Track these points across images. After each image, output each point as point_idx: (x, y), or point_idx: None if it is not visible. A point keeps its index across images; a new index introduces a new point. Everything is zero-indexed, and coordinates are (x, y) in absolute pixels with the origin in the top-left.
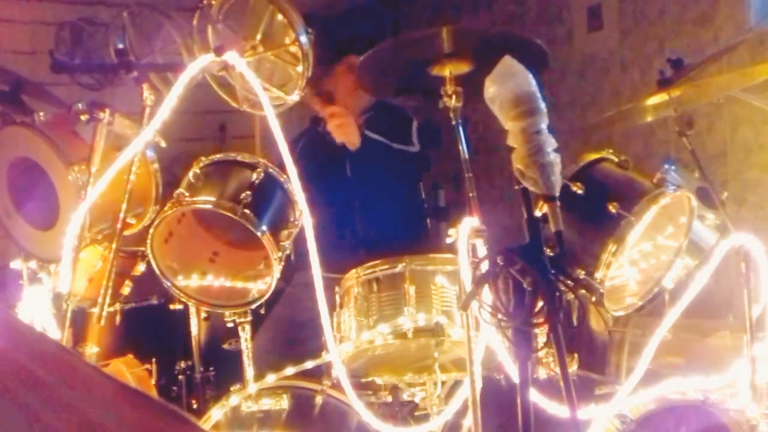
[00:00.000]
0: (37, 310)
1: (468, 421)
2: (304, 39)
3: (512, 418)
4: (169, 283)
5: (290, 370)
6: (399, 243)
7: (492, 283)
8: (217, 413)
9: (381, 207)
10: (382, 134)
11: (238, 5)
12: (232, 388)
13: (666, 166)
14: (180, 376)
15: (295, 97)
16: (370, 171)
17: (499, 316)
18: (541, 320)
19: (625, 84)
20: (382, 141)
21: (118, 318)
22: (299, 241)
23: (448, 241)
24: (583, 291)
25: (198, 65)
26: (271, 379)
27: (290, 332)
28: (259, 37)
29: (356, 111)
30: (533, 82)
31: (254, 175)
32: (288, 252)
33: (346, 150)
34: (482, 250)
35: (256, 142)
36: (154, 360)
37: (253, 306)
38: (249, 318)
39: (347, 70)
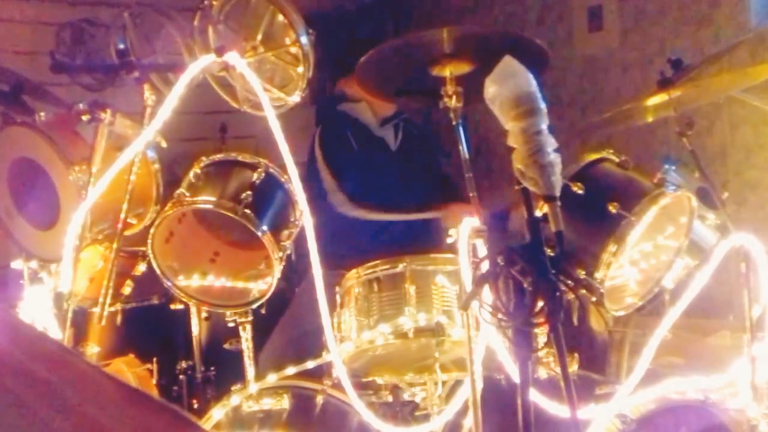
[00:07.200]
0: (38, 310)
1: (468, 421)
2: (304, 40)
3: (512, 418)
4: (169, 283)
5: (291, 370)
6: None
7: (492, 283)
8: (218, 413)
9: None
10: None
11: (239, 6)
12: (233, 388)
13: (666, 166)
14: (181, 376)
15: (296, 98)
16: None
17: (500, 316)
18: (542, 320)
19: (625, 84)
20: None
21: (119, 318)
22: (302, 240)
23: (449, 241)
24: (584, 291)
25: (199, 66)
26: (271, 378)
27: (305, 335)
28: (259, 37)
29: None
30: (533, 82)
31: (255, 175)
32: (288, 252)
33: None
34: (482, 250)
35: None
36: (155, 360)
37: (254, 306)
38: (250, 318)
39: None
